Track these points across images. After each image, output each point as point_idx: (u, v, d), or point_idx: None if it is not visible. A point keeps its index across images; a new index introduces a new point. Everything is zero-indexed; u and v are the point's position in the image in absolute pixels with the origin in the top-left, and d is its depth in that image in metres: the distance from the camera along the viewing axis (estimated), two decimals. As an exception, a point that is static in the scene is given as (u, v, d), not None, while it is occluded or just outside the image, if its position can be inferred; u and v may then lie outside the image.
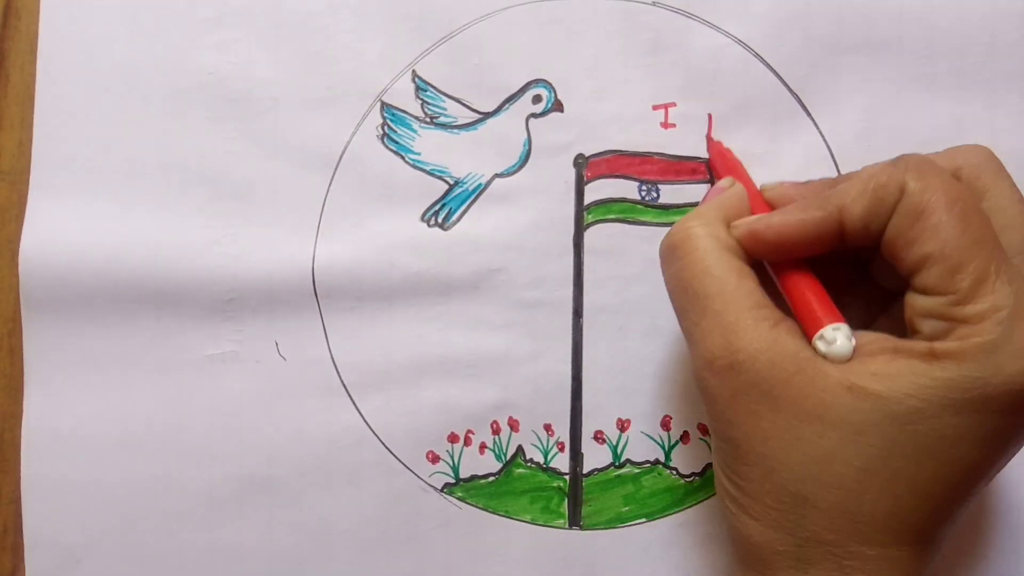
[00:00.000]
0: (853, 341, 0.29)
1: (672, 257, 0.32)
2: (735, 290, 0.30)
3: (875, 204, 0.29)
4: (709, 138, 0.38)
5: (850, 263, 0.33)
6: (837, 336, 0.29)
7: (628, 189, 0.39)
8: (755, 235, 0.31)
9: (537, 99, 0.39)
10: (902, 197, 0.28)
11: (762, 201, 0.34)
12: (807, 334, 0.30)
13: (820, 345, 0.29)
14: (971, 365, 0.26)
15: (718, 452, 0.31)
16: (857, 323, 0.30)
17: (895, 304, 0.32)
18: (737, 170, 0.37)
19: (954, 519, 0.29)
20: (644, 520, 0.39)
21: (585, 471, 0.39)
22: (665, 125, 0.39)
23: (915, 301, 0.28)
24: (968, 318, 0.27)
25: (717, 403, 0.30)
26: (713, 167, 0.38)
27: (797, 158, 0.38)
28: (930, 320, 0.28)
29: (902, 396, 0.27)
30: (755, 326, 0.29)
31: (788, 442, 0.28)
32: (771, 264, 0.32)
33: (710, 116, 0.39)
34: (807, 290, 0.30)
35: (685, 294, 0.31)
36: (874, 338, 0.29)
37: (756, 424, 0.29)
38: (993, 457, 0.28)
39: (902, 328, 0.29)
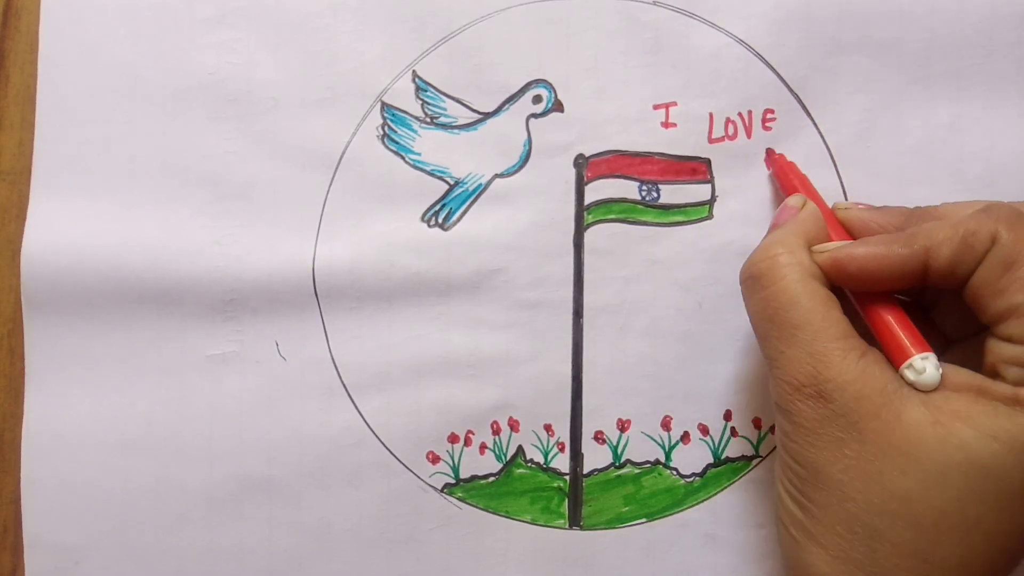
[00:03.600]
0: (940, 370, 0.29)
1: (757, 285, 0.32)
2: (822, 320, 0.30)
3: (964, 250, 0.29)
4: (770, 152, 0.38)
5: (910, 305, 0.33)
6: (926, 365, 0.29)
7: (628, 189, 0.39)
8: (838, 265, 0.31)
9: (537, 99, 0.39)
10: (993, 247, 0.28)
11: (836, 221, 0.34)
12: (893, 362, 0.30)
13: (908, 374, 0.29)
14: None
15: (790, 475, 0.31)
16: None
17: (951, 350, 0.33)
18: (806, 186, 0.37)
19: (1014, 568, 0.29)
20: (644, 520, 0.39)
21: (585, 471, 0.39)
22: (666, 124, 0.39)
23: (999, 348, 0.29)
24: None
25: (801, 427, 0.30)
26: (778, 181, 0.38)
27: (797, 158, 0.38)
28: (1015, 367, 0.28)
29: (985, 438, 0.27)
30: (843, 356, 0.29)
31: (869, 474, 0.28)
32: (853, 293, 0.32)
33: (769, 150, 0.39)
34: (892, 318, 0.31)
35: (771, 322, 0.31)
36: (958, 372, 0.29)
37: (839, 451, 0.29)
38: None
39: None
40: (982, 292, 0.29)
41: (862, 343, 0.30)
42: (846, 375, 0.29)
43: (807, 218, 0.34)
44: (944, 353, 0.33)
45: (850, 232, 0.34)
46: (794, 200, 0.35)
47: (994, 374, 0.29)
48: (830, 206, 0.35)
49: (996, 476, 0.27)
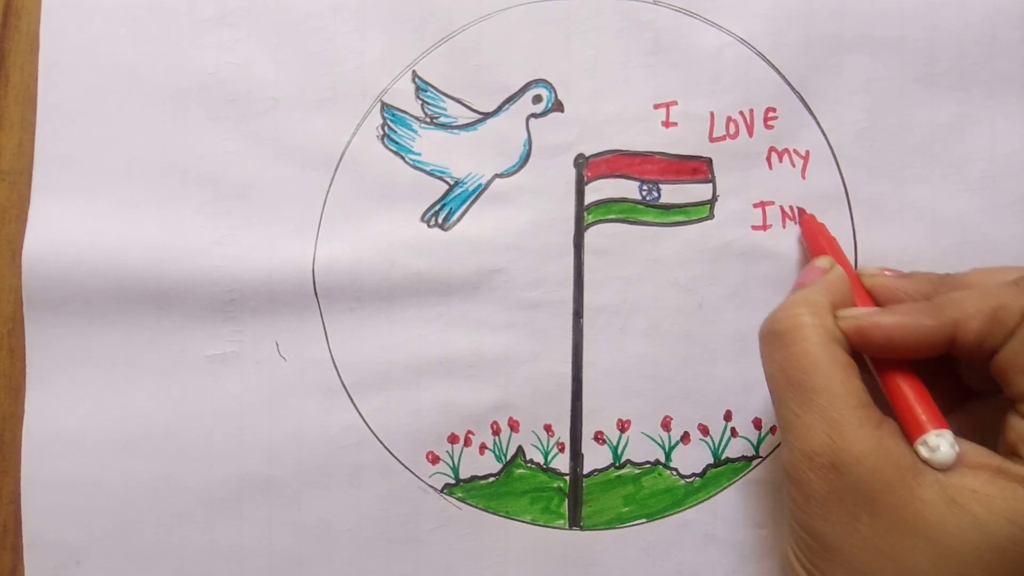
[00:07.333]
0: (956, 449, 0.28)
1: (778, 343, 0.31)
2: (840, 386, 0.29)
3: (993, 324, 0.29)
4: (802, 212, 0.38)
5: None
6: (941, 443, 0.28)
7: (629, 189, 0.39)
8: (863, 333, 0.30)
9: (537, 99, 0.39)
10: (1023, 323, 0.28)
11: (861, 287, 0.34)
12: (908, 435, 0.29)
13: (923, 451, 0.29)
14: None
15: (801, 544, 0.31)
16: None
17: (974, 402, 0.32)
18: (835, 249, 0.36)
19: None
20: (644, 520, 0.39)
21: (585, 472, 0.39)
22: (667, 124, 0.39)
23: (1020, 426, 0.28)
24: None
25: (812, 499, 0.29)
26: (806, 242, 0.38)
27: (799, 156, 0.38)
28: None
29: (1001, 520, 0.27)
30: (859, 427, 0.28)
31: (882, 550, 0.28)
32: (872, 358, 0.32)
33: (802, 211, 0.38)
34: (910, 391, 0.30)
35: (789, 384, 0.30)
36: (975, 451, 0.29)
37: (852, 526, 0.28)
38: None
39: (979, 427, 0.30)
40: (1010, 368, 0.28)
41: (878, 413, 0.29)
42: (861, 446, 0.28)
43: (834, 281, 0.33)
44: (965, 405, 0.32)
45: (876, 299, 0.34)
46: (822, 261, 0.35)
47: (1012, 453, 0.28)
48: (856, 269, 0.35)
49: (1011, 557, 0.27)
